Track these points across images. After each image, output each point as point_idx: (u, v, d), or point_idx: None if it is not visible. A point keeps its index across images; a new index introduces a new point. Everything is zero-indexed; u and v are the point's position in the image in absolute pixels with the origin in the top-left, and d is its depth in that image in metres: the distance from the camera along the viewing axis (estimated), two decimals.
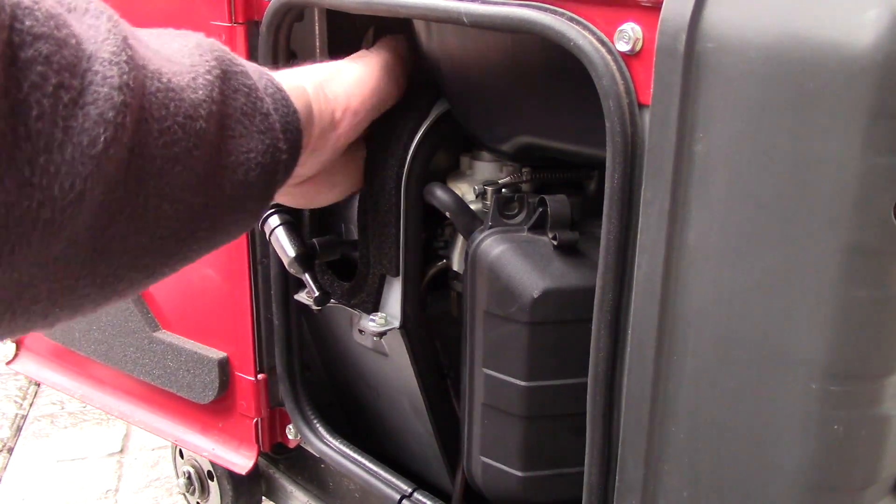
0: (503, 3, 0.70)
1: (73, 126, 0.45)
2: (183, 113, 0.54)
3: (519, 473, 0.84)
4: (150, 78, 0.52)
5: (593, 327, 0.70)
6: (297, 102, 0.71)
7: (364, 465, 1.05)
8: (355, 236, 0.96)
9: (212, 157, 0.58)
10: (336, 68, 0.82)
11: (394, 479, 1.02)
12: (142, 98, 0.50)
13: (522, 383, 0.81)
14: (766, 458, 0.62)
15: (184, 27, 0.98)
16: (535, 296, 0.77)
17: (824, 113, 0.54)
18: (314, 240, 0.96)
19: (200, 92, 0.57)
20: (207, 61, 0.60)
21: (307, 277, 0.94)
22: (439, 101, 0.90)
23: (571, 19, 0.66)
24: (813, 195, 0.56)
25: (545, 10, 0.68)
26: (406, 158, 0.87)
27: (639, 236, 0.65)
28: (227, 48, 0.65)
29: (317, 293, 0.94)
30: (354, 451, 1.07)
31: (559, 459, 0.84)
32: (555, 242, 0.79)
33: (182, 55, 0.59)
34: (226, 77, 0.61)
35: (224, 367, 1.13)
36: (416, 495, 0.99)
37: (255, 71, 0.67)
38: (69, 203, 0.46)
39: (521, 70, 0.80)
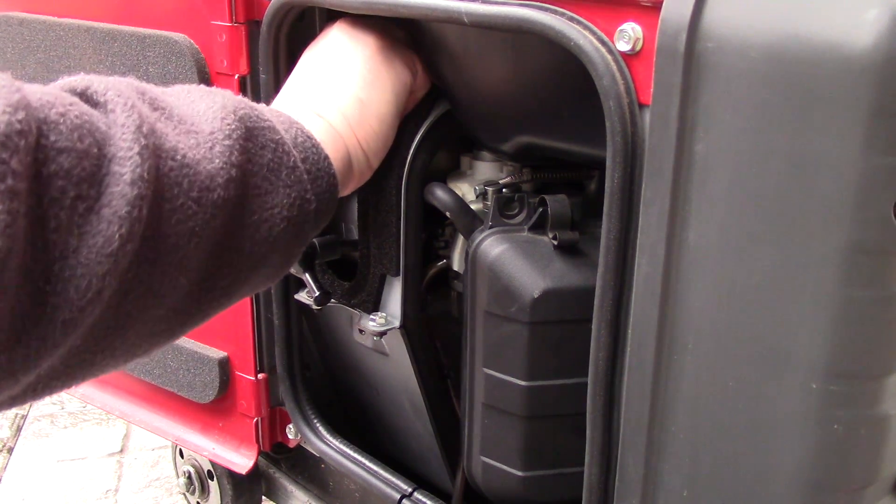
0: (503, 3, 0.70)
1: (87, 231, 0.46)
2: (198, 187, 0.55)
3: (519, 473, 0.84)
4: (165, 158, 0.53)
5: (593, 327, 0.70)
6: (331, 148, 0.71)
7: (364, 464, 1.05)
8: (355, 236, 0.96)
9: (231, 221, 0.59)
10: (356, 99, 0.79)
11: (394, 479, 1.02)
12: (155, 182, 0.51)
13: (522, 383, 0.81)
14: (766, 458, 0.62)
15: (184, 27, 0.99)
16: (536, 296, 0.77)
17: (824, 112, 0.54)
18: (314, 239, 0.96)
19: (217, 161, 0.57)
20: (229, 124, 0.60)
21: (307, 277, 0.94)
22: (439, 101, 0.90)
23: (571, 19, 0.66)
24: (813, 195, 0.56)
25: (545, 9, 0.68)
26: (407, 158, 0.87)
27: (639, 236, 0.65)
28: (253, 104, 0.65)
29: (317, 293, 0.94)
30: (354, 451, 1.07)
31: (559, 459, 0.84)
32: (555, 242, 0.79)
33: (204, 120, 0.59)
34: (250, 136, 0.61)
35: (224, 366, 1.13)
36: (416, 495, 0.99)
37: (285, 122, 0.67)
38: (87, 302, 0.47)
39: (522, 70, 0.80)
